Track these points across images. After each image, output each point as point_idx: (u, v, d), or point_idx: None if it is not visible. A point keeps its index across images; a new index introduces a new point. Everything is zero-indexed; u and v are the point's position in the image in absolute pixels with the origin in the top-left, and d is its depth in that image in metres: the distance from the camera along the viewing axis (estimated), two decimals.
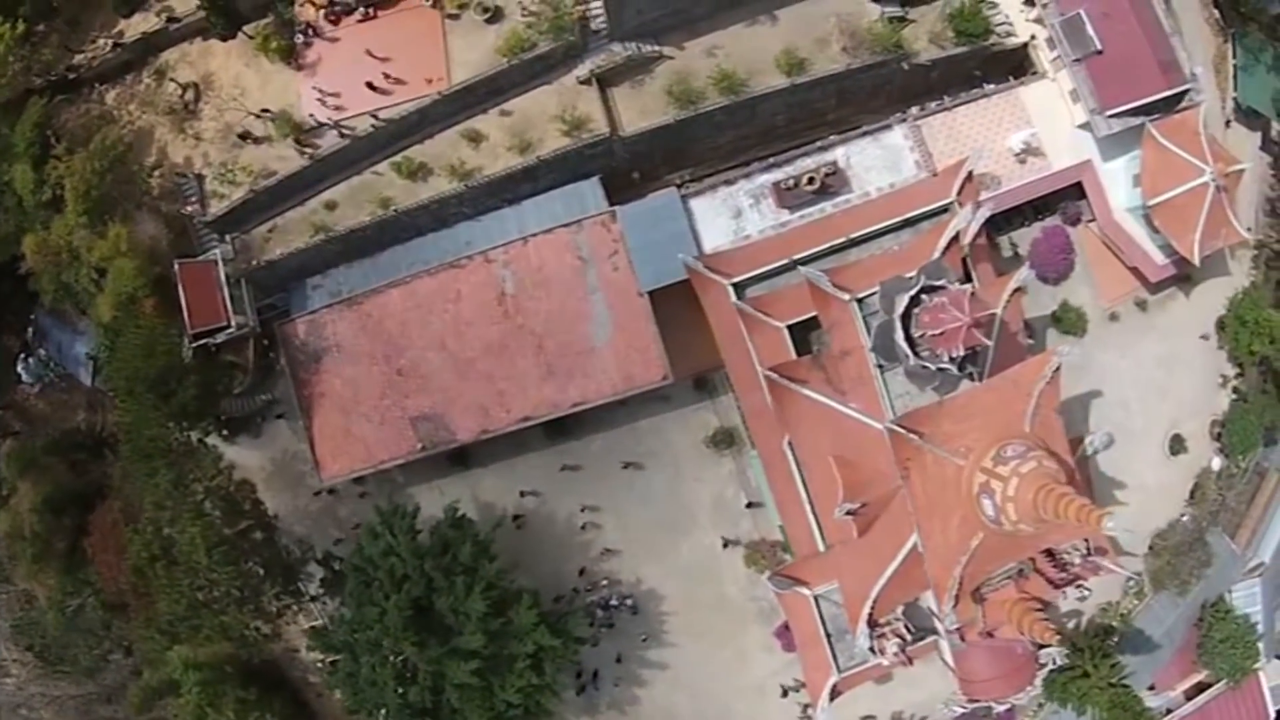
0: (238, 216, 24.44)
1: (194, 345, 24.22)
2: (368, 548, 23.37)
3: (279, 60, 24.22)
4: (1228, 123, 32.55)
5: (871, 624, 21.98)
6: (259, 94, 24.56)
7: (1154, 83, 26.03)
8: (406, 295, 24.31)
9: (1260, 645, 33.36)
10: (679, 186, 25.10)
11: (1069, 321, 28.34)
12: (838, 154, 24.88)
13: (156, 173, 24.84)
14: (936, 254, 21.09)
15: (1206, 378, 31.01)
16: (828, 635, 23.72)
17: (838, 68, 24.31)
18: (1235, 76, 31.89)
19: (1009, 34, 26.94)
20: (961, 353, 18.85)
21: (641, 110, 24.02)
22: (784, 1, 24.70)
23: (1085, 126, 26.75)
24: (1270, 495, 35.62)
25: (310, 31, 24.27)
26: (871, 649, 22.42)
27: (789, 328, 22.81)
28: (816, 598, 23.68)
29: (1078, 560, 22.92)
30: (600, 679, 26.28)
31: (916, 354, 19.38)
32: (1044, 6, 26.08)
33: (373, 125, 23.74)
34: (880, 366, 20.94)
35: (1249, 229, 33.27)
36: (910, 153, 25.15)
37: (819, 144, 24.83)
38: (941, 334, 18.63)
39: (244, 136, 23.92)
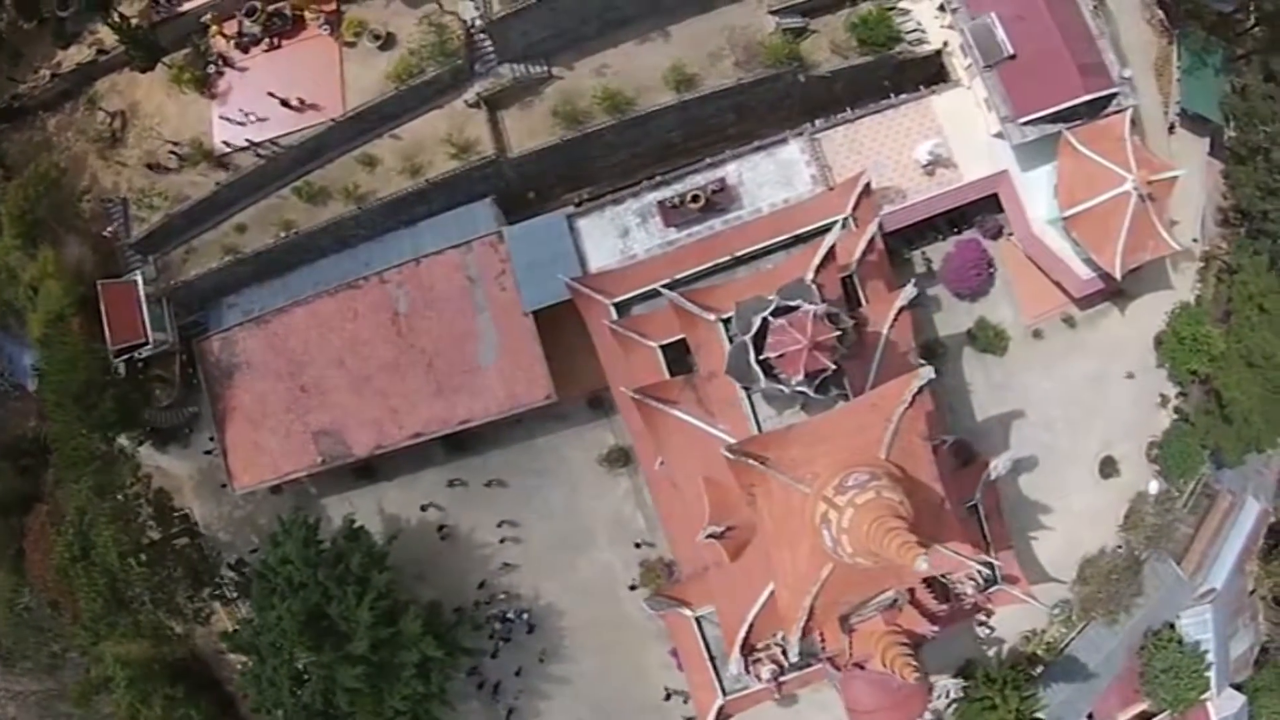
0: (158, 239, 25.25)
1: (124, 360, 24.77)
2: (270, 555, 23.67)
3: (193, 90, 24.53)
4: (1171, 128, 30.25)
5: (747, 649, 20.81)
6: (178, 122, 25.41)
7: (1072, 87, 24.42)
8: (309, 314, 24.67)
9: (1211, 675, 30.89)
10: (577, 205, 24.39)
11: (985, 340, 26.76)
12: (729, 170, 24.11)
13: (87, 197, 25.69)
14: (808, 273, 19.79)
15: (1143, 398, 29.03)
16: (711, 658, 22.64)
17: (729, 82, 23.52)
18: (1178, 80, 29.08)
19: (920, 41, 25.58)
20: (802, 376, 17.46)
21: (529, 131, 23.72)
22: (677, 17, 24.08)
23: (1001, 135, 24.97)
24: (1221, 519, 32.99)
25: (221, 62, 24.69)
26: (747, 674, 21.19)
27: (678, 347, 21.74)
28: (699, 619, 22.76)
29: (970, 591, 21.14)
30: (501, 691, 26.02)
31: (769, 376, 18.10)
32: (953, 11, 24.38)
33: (274, 151, 23.86)
34: (748, 388, 19.77)
35: (1195, 239, 30.79)
36: (806, 167, 24.17)
37: (709, 160, 23.94)
38: (782, 356, 17.39)
39: (152, 167, 24.53)
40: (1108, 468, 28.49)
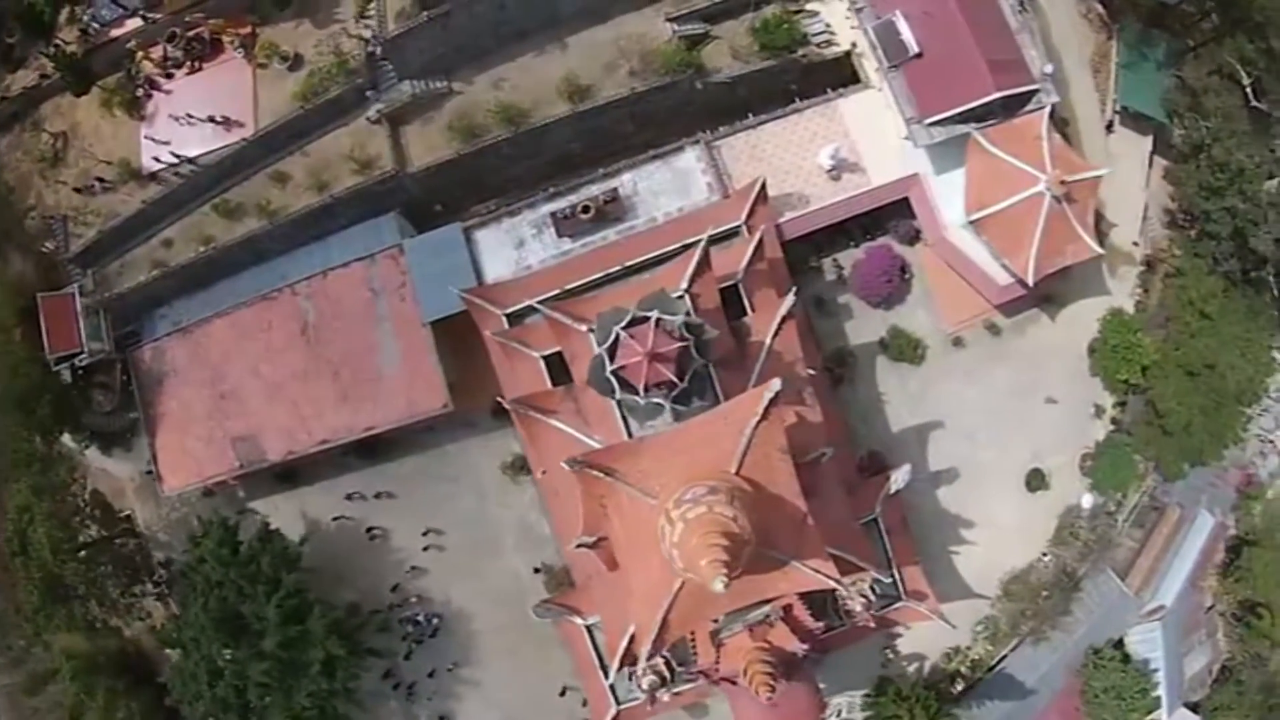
0: (94, 254, 26.41)
1: (69, 368, 25.77)
2: (190, 555, 24.21)
3: (123, 112, 25.33)
4: (1110, 126, 28.51)
5: (629, 660, 20.39)
6: (111, 143, 26.53)
7: (981, 85, 23.44)
8: (228, 325, 25.48)
9: (1160, 694, 29.00)
10: (478, 217, 24.31)
11: (899, 348, 26.01)
12: (624, 180, 24.09)
13: (32, 214, 26.79)
14: (682, 283, 19.23)
15: (1077, 408, 27.57)
16: (603, 666, 22.23)
17: (623, 92, 23.08)
18: (1117, 76, 27.38)
19: (829, 44, 24.83)
20: (643, 386, 17.00)
21: (429, 146, 24.09)
22: (574, 28, 24.06)
23: (953, 140, 24.49)
24: (1170, 534, 31.09)
25: (149, 85, 25.45)
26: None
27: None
28: (590, 628, 22.34)
29: (858, 608, 20.27)
30: (416, 692, 26.24)
31: (625, 388, 17.65)
32: (858, 11, 23.44)
33: (193, 170, 24.54)
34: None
35: (1135, 243, 28.95)
36: (702, 175, 23.86)
37: (604, 171, 23.53)
38: (625, 368, 16.92)
39: (79, 190, 25.30)
40: (1035, 481, 27.34)
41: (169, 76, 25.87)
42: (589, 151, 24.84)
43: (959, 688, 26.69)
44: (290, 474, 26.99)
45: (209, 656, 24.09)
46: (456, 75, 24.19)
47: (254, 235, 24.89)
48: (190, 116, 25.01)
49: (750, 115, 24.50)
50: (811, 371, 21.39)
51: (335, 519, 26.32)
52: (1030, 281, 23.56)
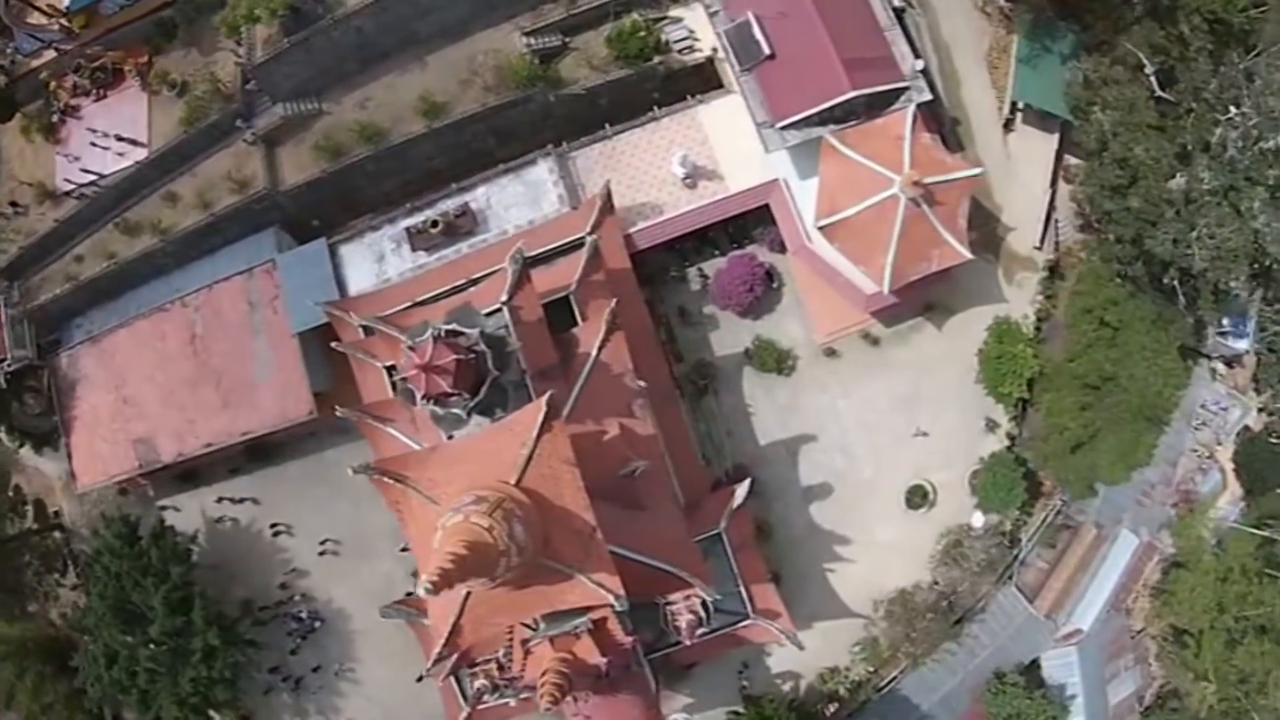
0: (18, 268, 29.25)
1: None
2: (92, 547, 25.87)
3: (41, 137, 27.37)
4: (1008, 124, 27.18)
5: (467, 663, 20.82)
6: (33, 166, 28.57)
7: (835, 85, 23.08)
8: (129, 335, 27.60)
9: None
10: (354, 229, 25.22)
11: (764, 359, 25.98)
12: (477, 194, 24.84)
13: None
14: (503, 295, 19.51)
15: (967, 422, 26.54)
16: (459, 668, 22.75)
17: (476, 108, 23.43)
18: (1015, 71, 26.21)
19: (690, 50, 24.80)
20: (423, 396, 17.46)
21: (299, 165, 25.59)
22: (433, 47, 25.08)
23: (806, 144, 24.13)
24: (1085, 554, 29.55)
25: (64, 112, 27.30)
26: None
27: None
28: None
29: (683, 624, 20.17)
30: (303, 687, 27.38)
31: (424, 397, 18.20)
32: (714, 15, 23.23)
33: (97, 191, 26.24)
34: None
35: (1036, 247, 27.56)
36: (554, 187, 24.26)
37: (457, 185, 24.11)
38: (406, 378, 17.42)
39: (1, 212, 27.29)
40: (919, 498, 26.79)
41: (78, 104, 28.04)
42: (453, 167, 25.83)
43: (832, 709, 26.09)
44: (191, 474, 29.09)
45: (107, 642, 26.52)
46: (326, 96, 25.66)
47: (150, 251, 27.18)
48: (96, 141, 27.22)
49: (608, 126, 24.66)
50: (642, 383, 21.42)
51: (217, 520, 28.16)
52: (885, 289, 22.95)
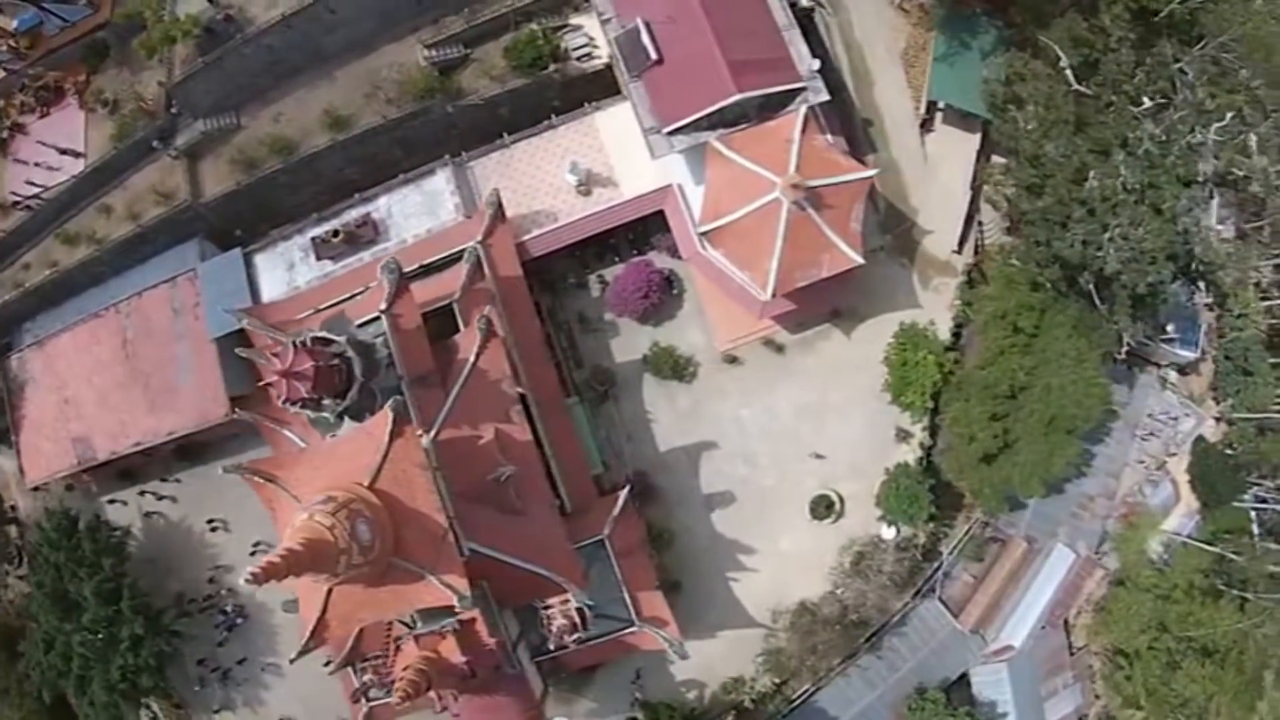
0: None
1: None
2: (35, 540, 27.63)
3: None
4: (925, 124, 26.80)
5: (357, 658, 21.73)
6: None
7: (720, 89, 23.28)
8: (71, 339, 29.65)
9: None
10: (267, 239, 26.53)
11: (661, 365, 26.46)
12: (379, 203, 25.86)
13: None
14: (382, 304, 20.35)
15: (876, 432, 26.22)
16: (350, 662, 23.66)
17: (378, 120, 24.35)
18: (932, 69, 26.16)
19: (589, 57, 25.22)
20: (283, 401, 18.36)
21: (219, 178, 26.92)
22: (341, 62, 26.39)
23: (693, 149, 24.57)
24: (1014, 569, 29.17)
25: (13, 128, 29.00)
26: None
27: None
28: None
29: (556, 628, 20.72)
30: (230, 678, 28.75)
31: (284, 401, 19.25)
32: (606, 22, 23.64)
33: (39, 204, 27.94)
34: None
35: (954, 251, 27.15)
36: (450, 196, 24.89)
37: (361, 195, 25.07)
38: (270, 384, 18.35)
39: None
40: (823, 508, 26.64)
41: (26, 120, 30.00)
42: (363, 177, 27.07)
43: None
44: (128, 472, 31.09)
45: (46, 629, 28.83)
46: (243, 112, 27.20)
47: (87, 261, 29.08)
48: (39, 157, 28.91)
49: (506, 135, 25.27)
50: (521, 391, 21.88)
51: (147, 515, 30.05)
52: (768, 296, 23.06)
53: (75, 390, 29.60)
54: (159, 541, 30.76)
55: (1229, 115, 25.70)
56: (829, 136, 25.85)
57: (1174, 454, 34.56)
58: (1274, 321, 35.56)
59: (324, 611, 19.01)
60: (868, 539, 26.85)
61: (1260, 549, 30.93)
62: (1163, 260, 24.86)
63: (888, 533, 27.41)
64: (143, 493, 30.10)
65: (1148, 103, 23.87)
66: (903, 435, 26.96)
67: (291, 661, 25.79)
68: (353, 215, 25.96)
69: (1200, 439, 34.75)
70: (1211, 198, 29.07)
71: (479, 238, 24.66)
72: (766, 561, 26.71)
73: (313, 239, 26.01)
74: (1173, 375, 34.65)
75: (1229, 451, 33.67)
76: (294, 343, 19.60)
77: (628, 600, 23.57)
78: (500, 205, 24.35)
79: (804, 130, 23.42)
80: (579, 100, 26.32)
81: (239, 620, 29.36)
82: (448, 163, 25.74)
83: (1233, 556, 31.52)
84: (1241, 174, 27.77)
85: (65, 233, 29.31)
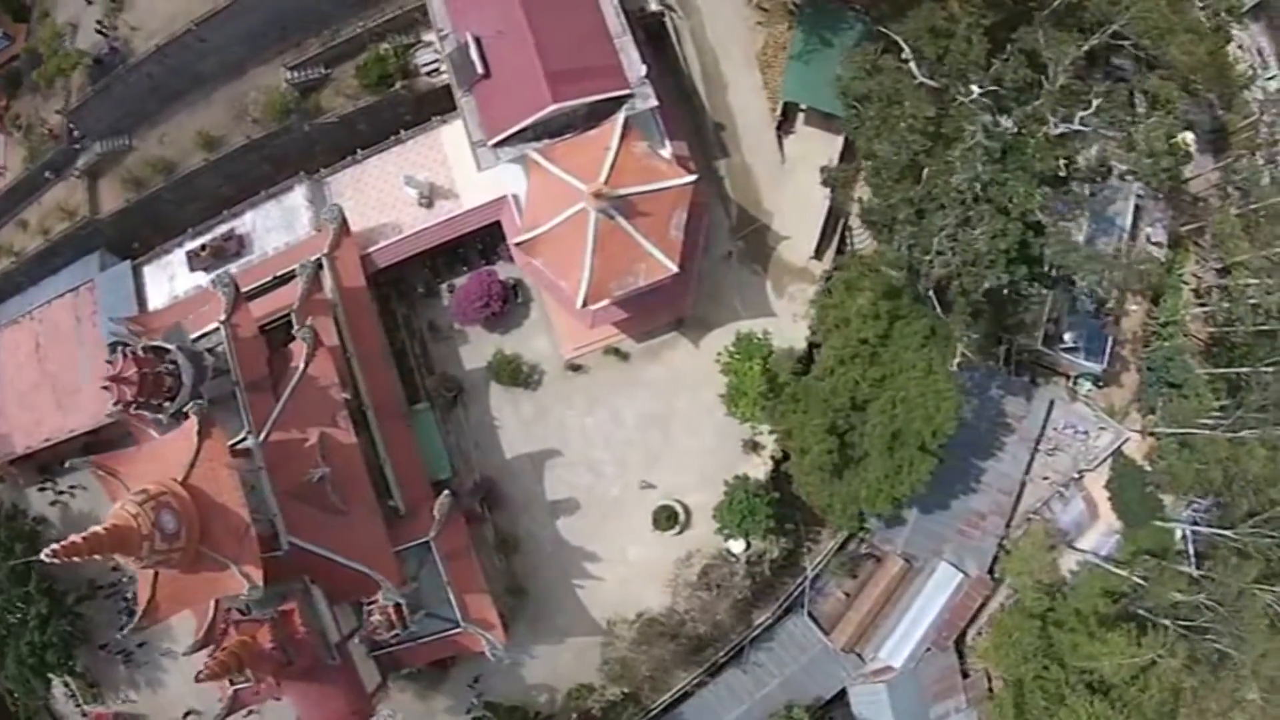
0: None
1: None
2: None
3: None
4: (782, 126, 28.26)
5: (208, 643, 25.51)
6: None
7: (537, 99, 25.27)
8: None
9: None
10: (153, 252, 30.96)
11: (502, 372, 28.65)
12: (245, 218, 29.03)
13: None
14: (222, 315, 24.03)
15: (725, 442, 28.05)
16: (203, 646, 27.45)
17: (243, 140, 28.01)
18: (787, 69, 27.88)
19: (437, 72, 28.47)
20: (113, 403, 22.20)
21: (114, 196, 30.54)
22: (216, 86, 30.07)
23: (516, 160, 26.92)
24: (889, 587, 30.31)
25: None
26: None
27: None
28: None
29: (374, 623, 23.87)
30: (133, 659, 33.15)
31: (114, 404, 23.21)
32: (444, 38, 26.31)
33: None
34: None
35: (812, 257, 28.51)
36: (306, 210, 27.93)
37: (229, 211, 28.68)
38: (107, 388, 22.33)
39: None
40: (666, 519, 28.42)
41: None
42: (239, 194, 30.66)
43: None
44: (46, 466, 35.68)
45: None
46: (135, 134, 31.57)
47: (7, 271, 34.17)
48: None
49: (359, 151, 28.49)
50: (347, 396, 25.01)
51: (52, 503, 34.49)
52: (579, 305, 24.97)
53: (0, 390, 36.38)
54: (76, 529, 36.25)
55: (1095, 102, 26.15)
56: (668, 143, 27.77)
57: (1086, 470, 34.61)
58: (1215, 330, 35.14)
59: (154, 593, 23.12)
60: (716, 552, 28.42)
61: (1167, 573, 30.35)
62: (1003, 264, 25.47)
63: (736, 546, 28.91)
64: (42, 487, 34.49)
65: (976, 91, 24.36)
66: (752, 446, 28.43)
67: (185, 654, 31.80)
68: (220, 230, 29.72)
69: (1121, 455, 34.65)
70: (1083, 194, 28.60)
71: (326, 250, 28.28)
72: (613, 570, 28.67)
73: (188, 252, 30.07)
74: (1086, 386, 34.68)
75: (1147, 469, 33.47)
76: (123, 351, 23.69)
77: (454, 601, 26.49)
78: (344, 219, 27.49)
79: (624, 138, 25.32)
80: (431, 115, 28.94)
81: (131, 610, 34.41)
82: (304, 179, 29.10)
83: (1138, 580, 31.42)
84: (1125, 168, 28.10)
85: None
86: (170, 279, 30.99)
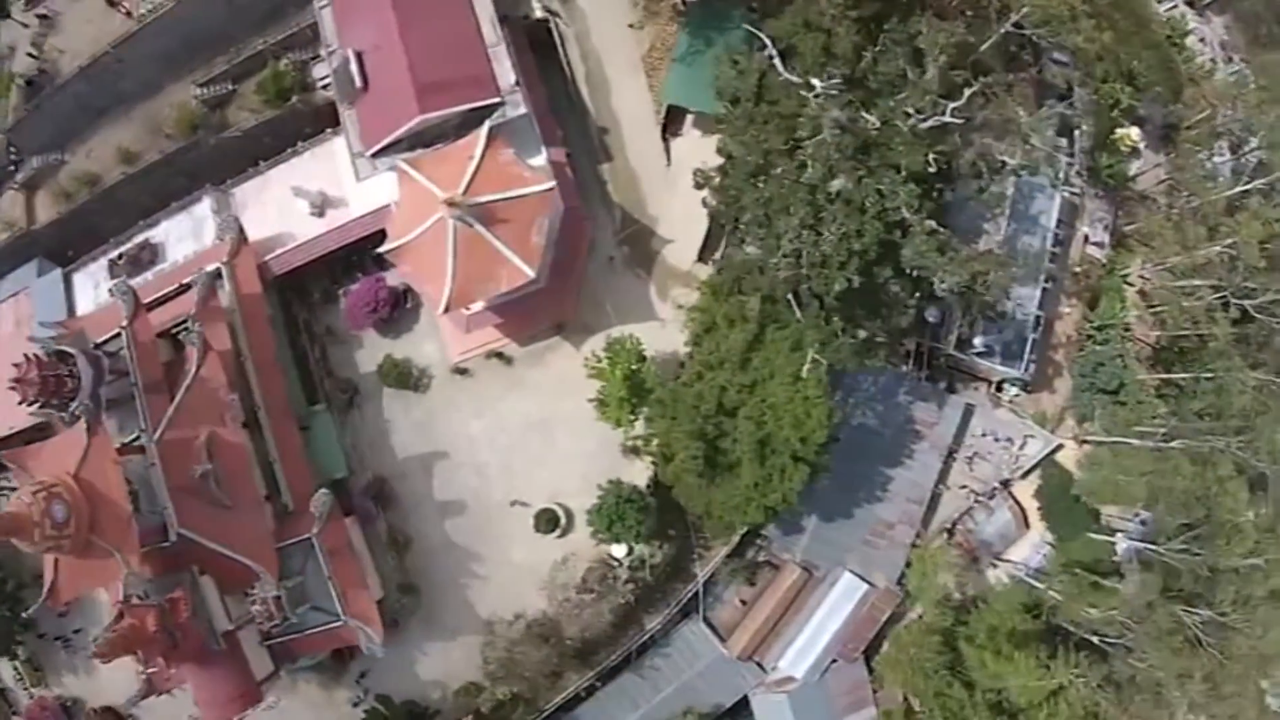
0: None
1: None
2: None
3: None
4: (667, 128, 29.69)
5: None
6: None
7: (406, 111, 27.43)
8: None
9: None
10: (81, 260, 34.61)
11: (390, 376, 30.77)
12: (161, 228, 32.28)
13: None
14: (122, 321, 27.29)
15: (607, 447, 29.61)
16: None
17: (157, 155, 31.35)
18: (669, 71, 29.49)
19: (330, 87, 30.29)
20: (18, 402, 25.59)
21: (47, 207, 34.26)
22: (136, 102, 32.93)
23: (390, 170, 29.06)
24: (786, 596, 31.57)
25: None
26: None
27: None
28: None
29: (253, 612, 26.79)
30: (72, 645, 36.99)
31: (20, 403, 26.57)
32: (331, 54, 28.89)
33: None
34: None
35: (698, 260, 29.84)
36: (212, 220, 30.76)
37: (145, 221, 31.99)
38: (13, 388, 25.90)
39: None
40: (546, 522, 30.00)
41: None
42: (158, 205, 34.02)
43: None
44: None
45: None
46: (68, 149, 35.15)
47: None
48: None
49: (261, 163, 31.35)
50: (234, 396, 27.88)
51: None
52: (439, 311, 26.97)
53: None
54: None
55: (967, 93, 26.36)
56: (545, 149, 29.61)
57: (1010, 479, 34.49)
58: (1161, 334, 34.36)
59: (55, 576, 26.65)
60: (597, 556, 29.90)
61: (1083, 587, 30.14)
62: (855, 265, 25.87)
63: (619, 550, 30.42)
64: None
65: (819, 85, 24.89)
66: (633, 451, 29.81)
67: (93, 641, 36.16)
68: (137, 240, 33.05)
69: (1053, 463, 34.36)
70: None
71: (225, 258, 31.32)
72: (499, 571, 30.53)
73: (109, 261, 33.65)
74: (1013, 392, 34.52)
75: (1077, 478, 33.18)
76: (26, 354, 27.12)
77: (335, 596, 29.30)
78: (240, 229, 30.49)
79: (489, 146, 27.13)
80: (326, 127, 31.39)
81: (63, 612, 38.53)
82: (210, 190, 32.18)
83: (1054, 596, 31.20)
84: (1015, 162, 28.20)
85: None
86: (95, 286, 34.49)
